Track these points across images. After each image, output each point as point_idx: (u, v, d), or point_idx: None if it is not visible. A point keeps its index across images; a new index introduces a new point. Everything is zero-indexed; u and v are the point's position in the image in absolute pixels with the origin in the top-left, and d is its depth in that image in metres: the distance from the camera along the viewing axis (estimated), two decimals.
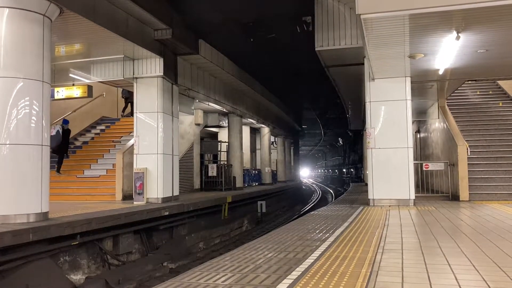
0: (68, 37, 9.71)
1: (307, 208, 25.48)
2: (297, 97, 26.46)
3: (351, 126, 28.40)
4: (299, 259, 4.38)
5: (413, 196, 10.11)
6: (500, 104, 14.98)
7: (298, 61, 17.43)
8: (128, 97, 16.80)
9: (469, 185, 10.98)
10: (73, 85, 13.01)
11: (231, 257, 4.62)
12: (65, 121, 14.27)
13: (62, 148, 13.62)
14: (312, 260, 4.28)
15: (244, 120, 20.93)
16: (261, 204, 17.92)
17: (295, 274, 3.74)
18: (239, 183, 19.35)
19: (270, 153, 26.73)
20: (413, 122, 15.76)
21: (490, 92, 16.28)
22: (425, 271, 3.77)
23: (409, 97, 10.33)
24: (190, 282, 3.60)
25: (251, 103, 21.56)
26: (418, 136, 18.36)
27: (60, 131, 13.45)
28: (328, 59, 11.85)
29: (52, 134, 12.85)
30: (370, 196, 10.36)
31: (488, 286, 3.29)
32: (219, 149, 20.37)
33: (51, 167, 13.63)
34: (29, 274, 6.87)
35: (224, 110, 18.07)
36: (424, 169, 12.56)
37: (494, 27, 6.85)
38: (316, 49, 10.92)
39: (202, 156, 18.83)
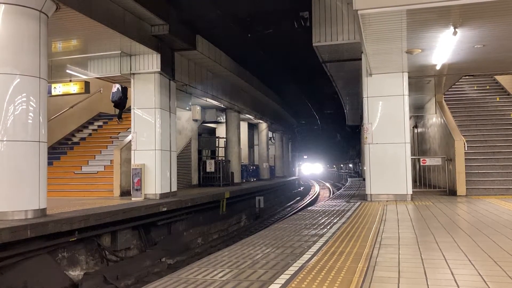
0: (64, 33, 9.67)
1: (305, 203, 25.53)
2: (295, 92, 26.43)
3: (348, 122, 28.43)
4: (296, 254, 4.40)
5: (410, 191, 10.13)
6: (498, 99, 15.01)
7: (295, 56, 17.40)
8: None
9: (466, 180, 11.02)
10: (70, 81, 12.97)
11: (229, 252, 4.64)
12: None
13: (122, 101, 15.34)
14: (309, 256, 4.30)
15: (242, 116, 20.93)
16: (259, 200, 17.94)
17: (292, 269, 3.76)
18: (237, 178, 19.38)
19: (268, 148, 26.75)
20: (410, 117, 15.80)
21: (488, 87, 16.30)
22: (421, 266, 3.79)
23: (406, 92, 10.34)
24: (188, 277, 3.61)
25: (249, 98, 21.54)
26: (416, 131, 18.39)
27: (120, 88, 14.83)
28: (325, 54, 11.84)
29: (114, 90, 15.03)
30: (367, 191, 10.39)
31: (484, 280, 3.31)
32: (217, 145, 20.36)
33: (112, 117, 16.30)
34: (27, 270, 6.89)
35: (222, 105, 18.06)
36: (421, 164, 12.59)
37: (491, 22, 6.85)
38: (313, 44, 10.91)
39: (200, 152, 18.83)
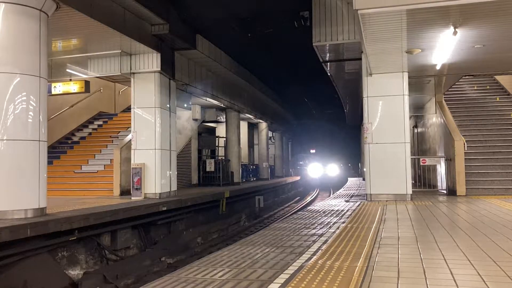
0: (65, 32, 9.67)
1: (305, 203, 25.53)
2: (295, 92, 26.46)
3: (348, 121, 28.46)
4: (296, 254, 4.40)
5: (410, 191, 10.14)
6: (498, 99, 15.01)
7: (295, 56, 17.41)
8: None
9: (466, 180, 11.02)
10: (70, 80, 12.96)
11: (229, 252, 4.64)
12: None
13: None
14: (309, 255, 4.31)
15: (242, 115, 20.93)
16: (259, 199, 17.95)
17: (291, 269, 3.76)
18: (237, 178, 19.38)
19: (268, 148, 26.75)
20: (410, 117, 15.80)
21: (488, 87, 16.30)
22: (420, 266, 3.79)
23: (406, 92, 10.34)
24: (188, 277, 3.61)
25: (249, 98, 21.54)
26: (416, 131, 18.39)
27: None
28: (325, 54, 11.84)
29: None
30: (367, 191, 10.40)
31: (483, 280, 3.32)
32: (216, 144, 20.35)
33: None
34: (27, 269, 6.89)
35: (222, 105, 18.06)
36: (421, 164, 12.59)
37: (491, 22, 6.86)
38: (313, 44, 10.90)
39: (200, 151, 18.83)
